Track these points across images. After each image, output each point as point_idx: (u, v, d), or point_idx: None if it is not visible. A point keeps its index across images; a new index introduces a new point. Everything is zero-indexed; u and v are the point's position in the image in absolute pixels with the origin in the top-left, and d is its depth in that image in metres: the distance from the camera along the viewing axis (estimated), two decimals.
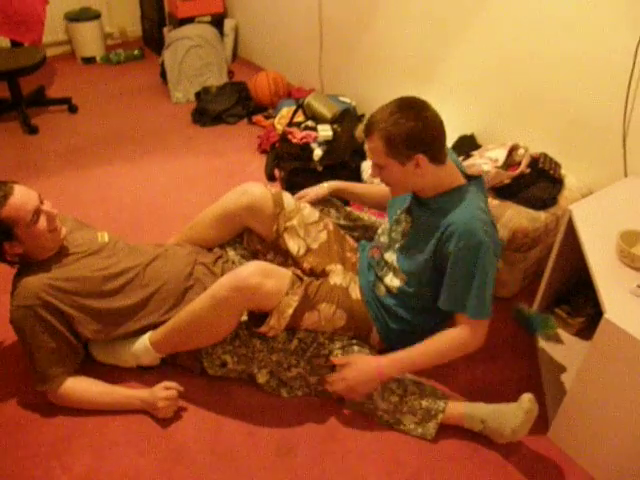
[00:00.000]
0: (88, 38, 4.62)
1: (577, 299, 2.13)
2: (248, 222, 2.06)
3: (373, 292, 1.89)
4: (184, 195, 2.95)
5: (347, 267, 2.01)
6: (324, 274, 1.98)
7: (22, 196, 1.69)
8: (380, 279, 1.87)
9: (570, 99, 2.25)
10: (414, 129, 1.55)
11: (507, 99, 2.52)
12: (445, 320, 1.90)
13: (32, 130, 3.49)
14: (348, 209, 2.24)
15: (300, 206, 2.06)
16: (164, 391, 1.79)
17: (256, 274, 1.68)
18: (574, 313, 2.09)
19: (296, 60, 4.01)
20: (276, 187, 2.11)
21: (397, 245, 1.82)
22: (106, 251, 1.91)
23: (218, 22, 4.46)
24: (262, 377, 1.85)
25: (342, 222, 2.19)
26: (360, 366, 1.72)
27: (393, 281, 1.82)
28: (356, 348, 1.82)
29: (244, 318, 1.83)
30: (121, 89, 4.21)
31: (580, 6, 2.11)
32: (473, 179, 1.73)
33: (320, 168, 2.81)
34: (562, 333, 2.09)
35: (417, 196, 1.75)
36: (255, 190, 2.04)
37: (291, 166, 2.84)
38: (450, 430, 1.75)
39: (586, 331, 2.06)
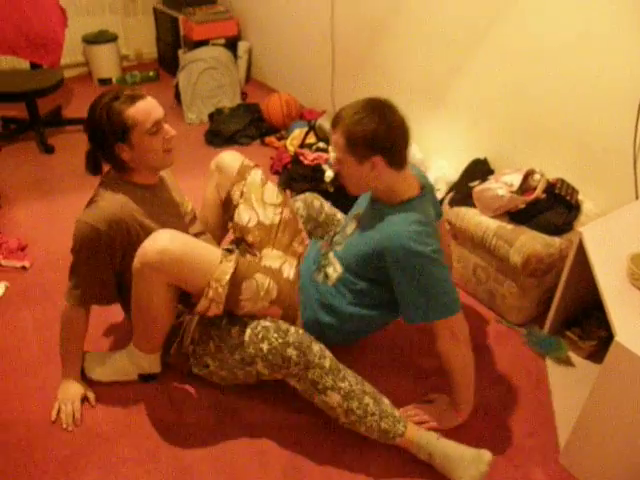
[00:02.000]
0: (105, 60, 4.70)
1: (589, 322, 2.12)
2: (220, 185, 2.14)
3: (312, 279, 1.89)
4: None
5: (288, 253, 2.00)
6: (258, 252, 1.99)
7: (151, 104, 1.73)
8: (322, 267, 1.88)
9: (581, 122, 2.27)
10: (376, 131, 1.58)
11: (519, 123, 2.54)
12: (375, 329, 1.92)
13: (48, 150, 3.54)
14: (335, 211, 2.28)
15: (266, 186, 2.09)
16: (69, 404, 1.86)
17: (162, 240, 1.63)
18: (585, 336, 2.08)
19: (308, 82, 4.06)
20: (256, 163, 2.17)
21: (340, 247, 1.84)
22: (184, 222, 1.96)
23: (232, 45, 4.53)
24: (241, 375, 1.81)
25: (321, 218, 2.22)
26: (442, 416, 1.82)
27: (333, 273, 1.82)
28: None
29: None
30: None
31: (591, 30, 2.14)
32: (423, 190, 1.76)
33: (331, 189, 2.83)
34: (573, 356, 2.08)
35: (375, 199, 1.78)
36: (225, 155, 2.14)
37: (303, 187, 2.87)
38: None
39: (597, 354, 2.05)
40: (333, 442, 1.80)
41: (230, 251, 1.79)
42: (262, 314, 1.77)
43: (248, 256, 1.98)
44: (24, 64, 3.94)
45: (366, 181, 1.69)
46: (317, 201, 2.25)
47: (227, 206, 2.11)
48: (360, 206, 1.90)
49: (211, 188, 2.19)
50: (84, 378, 1.96)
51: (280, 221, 2.03)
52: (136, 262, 1.65)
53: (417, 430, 1.71)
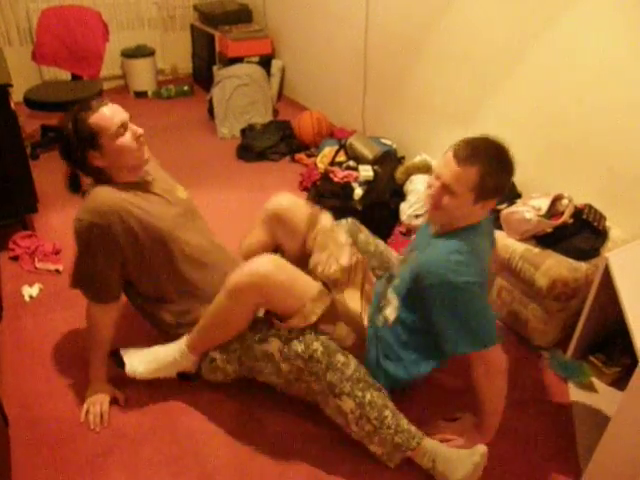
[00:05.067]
0: (141, 73, 4.85)
1: (613, 348, 2.12)
2: (277, 231, 2.10)
3: (374, 322, 1.90)
4: (226, 227, 3.01)
5: (363, 297, 2.02)
6: (341, 289, 1.98)
7: (113, 108, 1.81)
8: (380, 310, 1.90)
9: (611, 149, 2.28)
10: (507, 182, 1.64)
11: (548, 148, 2.55)
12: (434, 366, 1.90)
13: None
14: (377, 240, 2.26)
15: (337, 228, 2.07)
16: (98, 406, 1.91)
17: (268, 264, 1.71)
18: (610, 362, 2.07)
19: (339, 101, 4.13)
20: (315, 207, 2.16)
21: (397, 280, 1.86)
22: (180, 208, 1.98)
23: (266, 62, 4.62)
24: (248, 362, 1.83)
25: (369, 250, 2.19)
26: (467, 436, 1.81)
27: (391, 314, 1.84)
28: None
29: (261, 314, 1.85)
30: (170, 123, 4.38)
31: (622, 54, 2.16)
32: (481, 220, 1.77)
33: (360, 207, 2.87)
34: (596, 382, 2.08)
35: (436, 228, 1.78)
36: (282, 200, 2.09)
37: (331, 204, 2.91)
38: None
39: (621, 381, 2.04)
40: (354, 456, 1.81)
41: (328, 288, 1.81)
42: None
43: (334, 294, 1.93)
44: (65, 75, 4.06)
45: (464, 215, 1.68)
46: (362, 234, 2.21)
47: (304, 258, 2.04)
48: (417, 238, 1.92)
49: (261, 231, 2.14)
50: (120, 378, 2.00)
51: (357, 260, 2.04)
52: (235, 280, 1.71)
53: (425, 439, 1.73)
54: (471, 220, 1.70)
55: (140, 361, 1.96)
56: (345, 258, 1.99)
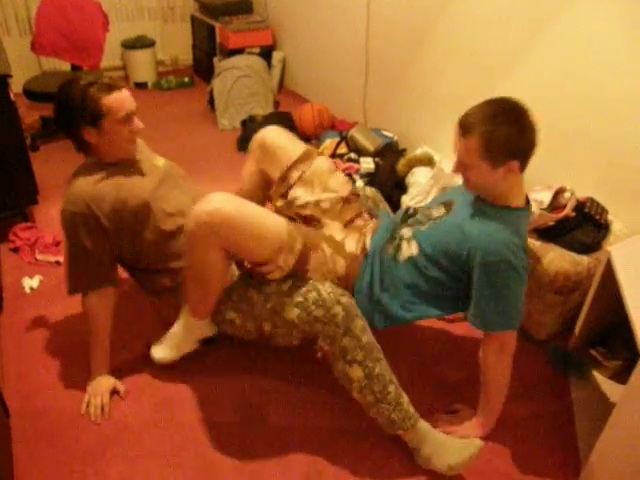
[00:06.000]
0: (142, 64, 4.84)
1: (614, 342, 2.11)
2: (262, 160, 2.08)
3: (380, 252, 1.85)
4: None
5: (349, 227, 1.97)
6: (319, 224, 1.95)
7: (125, 95, 1.82)
8: (395, 239, 1.84)
9: (613, 142, 2.26)
10: (515, 135, 1.56)
11: (550, 141, 2.53)
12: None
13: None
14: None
15: (335, 174, 2.01)
16: (99, 398, 1.92)
17: (214, 200, 1.60)
18: (610, 356, 2.07)
19: (341, 93, 4.11)
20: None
21: (423, 227, 1.79)
22: (159, 175, 1.98)
23: (267, 54, 4.61)
24: (268, 326, 1.77)
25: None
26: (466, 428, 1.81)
27: (405, 252, 1.79)
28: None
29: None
30: (170, 114, 4.36)
31: (625, 47, 2.14)
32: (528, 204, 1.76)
33: None
34: (597, 375, 2.08)
35: (481, 197, 1.74)
36: (274, 135, 2.06)
37: None
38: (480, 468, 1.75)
39: (622, 375, 2.03)
40: (355, 448, 1.82)
41: (293, 219, 1.77)
42: None
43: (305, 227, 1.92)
44: (65, 66, 4.04)
45: (495, 184, 1.65)
46: (382, 204, 2.19)
47: (276, 184, 2.01)
48: (454, 195, 1.85)
49: (252, 167, 2.14)
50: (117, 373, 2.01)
51: (344, 203, 1.97)
52: (188, 224, 1.63)
53: (420, 421, 1.73)
54: (512, 191, 1.68)
55: (163, 347, 1.96)
56: (326, 202, 1.96)
